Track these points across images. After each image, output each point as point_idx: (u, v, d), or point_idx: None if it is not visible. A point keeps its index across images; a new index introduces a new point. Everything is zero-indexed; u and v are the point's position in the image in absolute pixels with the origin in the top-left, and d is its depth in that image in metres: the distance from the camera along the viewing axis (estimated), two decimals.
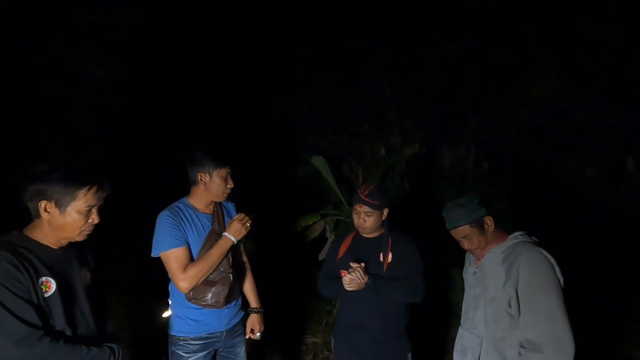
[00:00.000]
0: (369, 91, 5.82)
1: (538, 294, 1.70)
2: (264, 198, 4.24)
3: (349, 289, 2.20)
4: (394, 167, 4.62)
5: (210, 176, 2.08)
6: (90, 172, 1.52)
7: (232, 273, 2.11)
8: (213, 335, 2.14)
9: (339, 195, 3.92)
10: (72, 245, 1.56)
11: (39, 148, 3.90)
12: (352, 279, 2.17)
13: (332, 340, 2.50)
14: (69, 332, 1.46)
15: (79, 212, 1.47)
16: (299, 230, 3.85)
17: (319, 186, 4.61)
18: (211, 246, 2.05)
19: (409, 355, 2.35)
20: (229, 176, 2.12)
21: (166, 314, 2.19)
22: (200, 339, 2.11)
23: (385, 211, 2.30)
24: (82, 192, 1.47)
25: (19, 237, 1.46)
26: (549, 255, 1.76)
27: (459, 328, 2.07)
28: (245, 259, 2.41)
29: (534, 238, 1.88)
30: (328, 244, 3.87)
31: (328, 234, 3.99)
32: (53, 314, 1.43)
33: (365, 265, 2.23)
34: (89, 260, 1.66)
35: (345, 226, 3.88)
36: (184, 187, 2.19)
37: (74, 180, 1.46)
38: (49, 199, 1.44)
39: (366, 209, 2.24)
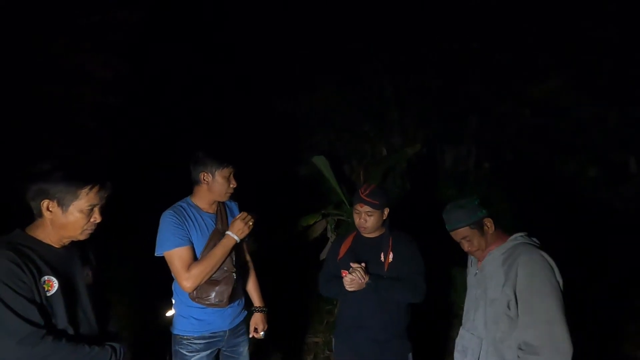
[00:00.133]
0: (369, 91, 5.82)
1: (536, 296, 1.70)
2: (265, 198, 4.24)
3: (349, 289, 2.20)
4: (394, 167, 4.63)
5: (213, 176, 2.08)
6: (93, 171, 1.52)
7: (235, 272, 2.11)
8: (216, 334, 2.15)
9: (340, 195, 3.92)
10: (74, 244, 1.56)
11: (40, 148, 3.90)
12: (353, 279, 2.17)
13: (333, 340, 2.50)
14: (71, 331, 1.46)
15: (81, 211, 1.47)
16: (300, 230, 3.86)
17: (320, 186, 4.62)
18: (214, 245, 2.05)
19: (410, 355, 2.35)
20: (231, 176, 2.12)
21: (169, 313, 2.20)
22: (203, 338, 2.12)
23: (386, 211, 2.30)
24: (85, 191, 1.47)
25: (21, 236, 1.46)
26: (548, 257, 1.75)
27: (460, 328, 2.07)
28: (248, 258, 2.41)
29: (534, 239, 1.88)
30: (329, 244, 3.87)
31: (329, 234, 4.00)
32: (55, 313, 1.43)
33: (366, 265, 2.23)
34: (91, 259, 1.66)
35: (346, 226, 3.88)
36: (185, 187, 2.19)
37: (77, 179, 1.46)
38: (51, 198, 1.44)
39: (367, 208, 2.24)
